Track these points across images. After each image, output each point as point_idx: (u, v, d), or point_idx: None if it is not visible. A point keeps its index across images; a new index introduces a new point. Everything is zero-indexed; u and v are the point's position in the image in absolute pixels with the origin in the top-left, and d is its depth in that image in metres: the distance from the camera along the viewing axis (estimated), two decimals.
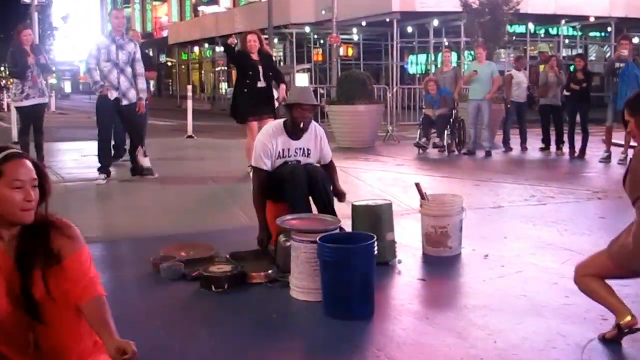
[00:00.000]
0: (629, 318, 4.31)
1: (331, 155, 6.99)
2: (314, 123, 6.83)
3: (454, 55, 28.66)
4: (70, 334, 3.05)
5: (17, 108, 12.28)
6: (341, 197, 6.67)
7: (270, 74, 10.69)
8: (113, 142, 11.48)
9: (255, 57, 10.48)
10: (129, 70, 10.45)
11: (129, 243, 6.01)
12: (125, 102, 10.41)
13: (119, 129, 11.40)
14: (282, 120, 6.73)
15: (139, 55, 10.77)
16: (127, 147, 11.74)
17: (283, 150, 6.54)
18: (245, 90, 10.50)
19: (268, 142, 6.51)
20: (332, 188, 6.67)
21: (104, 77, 10.32)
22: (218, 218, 8.49)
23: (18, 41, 11.71)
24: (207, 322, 4.99)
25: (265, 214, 6.45)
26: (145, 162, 10.81)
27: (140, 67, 10.71)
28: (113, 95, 10.29)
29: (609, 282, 4.50)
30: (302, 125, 6.52)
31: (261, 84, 10.46)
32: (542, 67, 16.41)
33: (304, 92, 6.81)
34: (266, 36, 12.53)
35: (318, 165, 6.81)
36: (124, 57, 10.41)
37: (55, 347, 3.01)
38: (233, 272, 5.76)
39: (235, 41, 10.82)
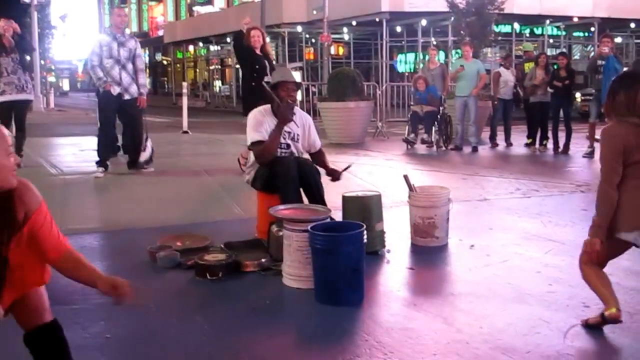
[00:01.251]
0: (613, 310, 4.33)
1: (320, 143, 7.05)
2: (300, 111, 6.90)
3: (442, 54, 28.73)
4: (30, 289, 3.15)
5: None
6: (335, 174, 6.76)
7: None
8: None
9: (258, 52, 10.47)
10: (129, 66, 10.55)
11: (126, 233, 6.03)
12: (127, 97, 10.54)
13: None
14: (268, 105, 6.76)
15: (139, 52, 10.88)
16: (119, 143, 11.79)
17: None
18: (253, 84, 10.37)
19: (260, 116, 6.61)
20: (325, 169, 6.80)
21: (106, 72, 10.40)
22: (212, 209, 8.49)
23: None
24: (201, 308, 5.00)
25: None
26: (143, 155, 10.85)
27: (140, 63, 10.87)
28: (115, 90, 10.37)
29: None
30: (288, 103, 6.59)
31: (268, 79, 10.31)
32: (526, 65, 16.43)
33: (284, 71, 6.90)
34: None
35: (308, 155, 6.87)
36: (125, 54, 10.51)
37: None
38: (227, 261, 5.78)
39: (249, 20, 10.79)
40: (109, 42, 10.52)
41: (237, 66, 42.61)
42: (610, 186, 4.34)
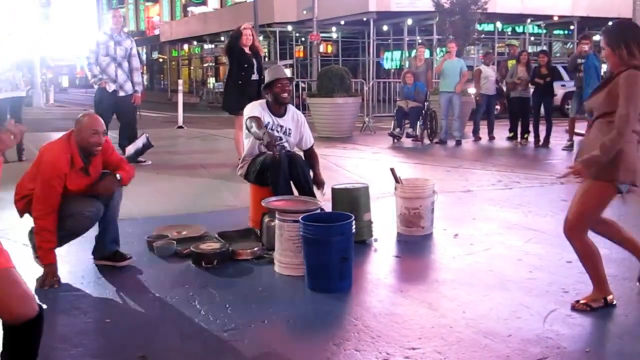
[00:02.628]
0: (610, 297, 4.56)
1: (313, 140, 7.06)
2: (293, 107, 6.94)
3: (427, 52, 28.75)
4: None
5: None
6: (320, 185, 6.70)
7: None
8: None
9: (247, 50, 10.46)
10: (125, 64, 10.66)
11: (125, 223, 6.03)
12: (121, 93, 10.63)
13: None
14: (263, 100, 6.84)
15: (134, 51, 10.95)
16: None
17: (268, 123, 6.64)
18: (240, 82, 10.36)
19: (259, 107, 6.68)
20: (312, 176, 6.70)
21: (103, 70, 10.46)
22: (207, 201, 8.50)
23: None
24: (197, 295, 5.01)
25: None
26: (127, 149, 10.81)
27: (136, 62, 10.93)
28: (111, 87, 10.45)
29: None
30: (285, 96, 6.68)
31: (255, 77, 10.29)
32: (510, 63, 16.48)
33: (277, 69, 6.91)
34: None
35: (299, 150, 6.90)
36: (121, 52, 10.63)
37: None
38: (221, 249, 5.80)
39: (249, 25, 10.77)
40: (106, 40, 10.63)
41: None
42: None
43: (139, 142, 10.74)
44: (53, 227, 5.15)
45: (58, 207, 5.18)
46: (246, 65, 10.37)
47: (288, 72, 7.05)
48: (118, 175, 5.47)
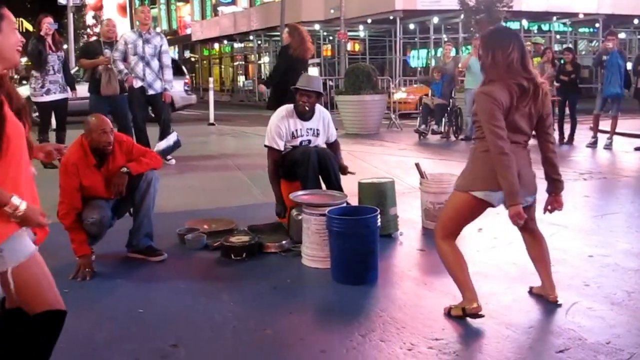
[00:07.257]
0: (474, 305, 4.31)
1: (336, 134, 7.11)
2: (319, 107, 6.93)
3: (452, 50, 28.67)
4: None
5: (36, 103, 10.67)
6: (344, 170, 6.78)
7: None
8: None
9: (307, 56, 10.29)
10: (154, 62, 10.52)
11: (157, 217, 6.07)
12: (151, 92, 10.54)
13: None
14: (291, 105, 6.83)
15: (165, 48, 10.78)
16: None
17: (295, 131, 6.66)
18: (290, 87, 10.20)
19: (280, 124, 6.64)
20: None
21: (131, 69, 10.39)
22: (237, 195, 8.57)
23: (38, 31, 10.60)
24: (227, 287, 5.08)
25: (280, 189, 6.57)
26: (159, 145, 10.75)
27: (166, 59, 10.73)
28: (137, 83, 10.35)
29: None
30: (303, 108, 6.64)
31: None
32: (536, 60, 16.34)
33: (308, 79, 6.87)
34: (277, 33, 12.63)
35: (325, 145, 6.96)
36: (149, 50, 10.48)
37: None
38: (250, 243, 5.86)
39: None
40: (135, 39, 10.53)
41: (260, 62, 42.80)
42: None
43: (170, 140, 10.73)
44: (76, 224, 5.29)
45: (79, 206, 5.34)
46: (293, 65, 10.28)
47: (315, 71, 6.94)
48: (124, 168, 5.52)
